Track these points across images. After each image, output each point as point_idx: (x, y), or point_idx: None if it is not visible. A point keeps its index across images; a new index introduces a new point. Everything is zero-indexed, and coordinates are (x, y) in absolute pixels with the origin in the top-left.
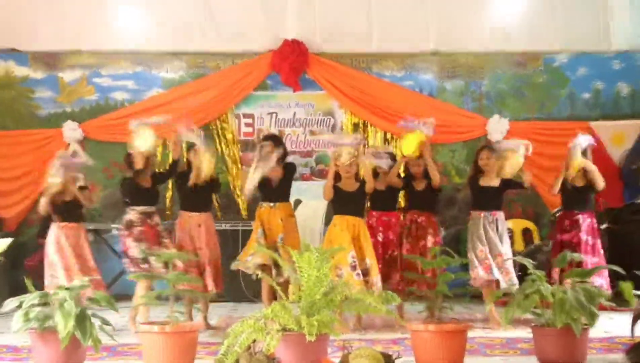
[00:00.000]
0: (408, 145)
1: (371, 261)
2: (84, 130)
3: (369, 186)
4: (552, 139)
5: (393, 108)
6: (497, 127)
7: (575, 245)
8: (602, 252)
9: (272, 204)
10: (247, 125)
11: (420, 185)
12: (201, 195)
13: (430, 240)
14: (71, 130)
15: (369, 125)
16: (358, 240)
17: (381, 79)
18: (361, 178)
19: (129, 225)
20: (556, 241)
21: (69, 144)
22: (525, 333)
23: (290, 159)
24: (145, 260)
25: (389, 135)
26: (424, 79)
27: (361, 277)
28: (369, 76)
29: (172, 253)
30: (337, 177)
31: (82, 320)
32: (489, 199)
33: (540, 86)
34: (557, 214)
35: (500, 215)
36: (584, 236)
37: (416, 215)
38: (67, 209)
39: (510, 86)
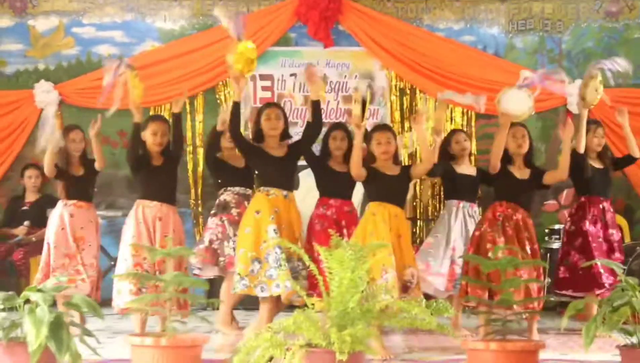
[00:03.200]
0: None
1: (415, 271)
2: (60, 93)
3: (423, 167)
4: None
5: (448, 70)
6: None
7: None
8: None
9: (285, 193)
10: (264, 88)
11: (522, 173)
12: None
13: (531, 247)
14: (45, 93)
15: (417, 91)
16: (402, 238)
17: (434, 33)
18: (401, 161)
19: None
20: None
21: (42, 109)
22: (610, 356)
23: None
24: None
25: None
26: (489, 34)
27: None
28: (419, 29)
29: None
30: (371, 157)
31: (57, 329)
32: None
33: (637, 43)
34: None
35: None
36: None
37: (511, 210)
38: (78, 185)
39: (597, 43)
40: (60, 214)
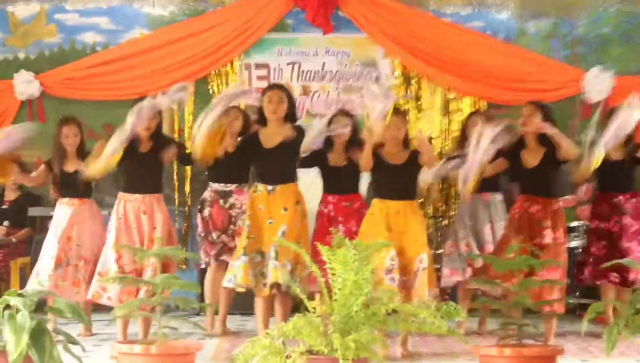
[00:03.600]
0: None
1: (424, 255)
2: (42, 84)
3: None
4: None
5: (456, 57)
6: (596, 83)
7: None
8: None
9: (270, 188)
10: (260, 78)
11: (533, 159)
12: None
13: (549, 236)
14: (25, 83)
15: (423, 80)
16: (405, 236)
17: (441, 18)
18: (411, 147)
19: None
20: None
21: (22, 102)
22: (634, 361)
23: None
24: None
25: (450, 94)
26: (499, 19)
27: (396, 284)
28: (425, 14)
29: (163, 249)
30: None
31: (39, 336)
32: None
33: None
34: None
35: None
36: None
37: (528, 203)
38: (69, 181)
39: (614, 28)
40: (55, 215)
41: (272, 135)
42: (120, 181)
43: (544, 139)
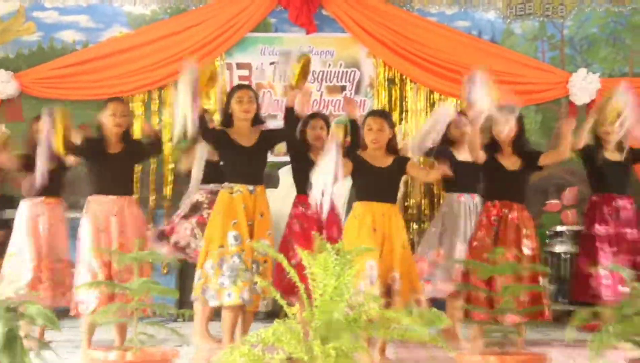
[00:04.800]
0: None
1: (400, 273)
2: (20, 83)
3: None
4: None
5: (441, 57)
6: (583, 84)
7: None
8: None
9: (251, 188)
10: (241, 78)
11: (512, 162)
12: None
13: (527, 246)
14: (3, 83)
15: (407, 81)
16: (389, 239)
17: (426, 18)
18: (397, 150)
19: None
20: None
21: (1, 101)
22: None
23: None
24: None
25: (435, 95)
26: (484, 19)
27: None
28: (409, 14)
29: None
30: (363, 144)
31: (10, 342)
32: None
33: None
34: None
35: None
36: None
37: (506, 210)
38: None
39: (602, 29)
40: (26, 215)
41: (245, 135)
42: (90, 182)
43: (520, 148)
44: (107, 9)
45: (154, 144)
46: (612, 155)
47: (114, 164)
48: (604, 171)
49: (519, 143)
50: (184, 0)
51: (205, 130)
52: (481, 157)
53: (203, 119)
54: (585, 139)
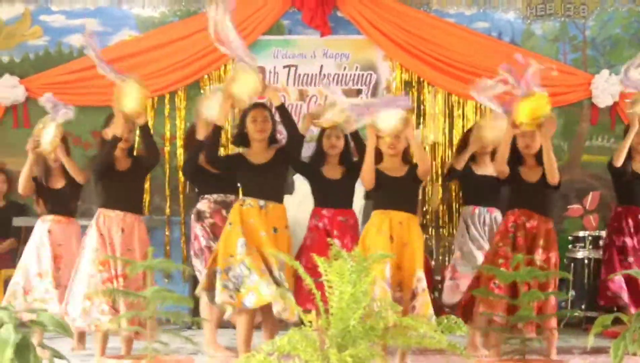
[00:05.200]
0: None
1: (421, 275)
2: (27, 88)
3: (423, 169)
4: None
5: (459, 60)
6: (606, 86)
7: None
8: None
9: (262, 203)
10: None
11: (533, 175)
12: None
13: (539, 255)
14: (9, 88)
15: (425, 84)
16: (409, 246)
17: (443, 19)
18: (411, 159)
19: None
20: None
21: (7, 108)
22: None
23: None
24: None
25: (453, 98)
26: (504, 20)
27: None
28: (427, 15)
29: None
30: (378, 155)
31: (23, 351)
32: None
33: None
34: None
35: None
36: None
37: (524, 218)
38: (57, 198)
39: (625, 29)
40: (37, 231)
41: (260, 153)
42: (100, 196)
43: (541, 160)
44: (115, 12)
45: (150, 150)
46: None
47: (122, 181)
48: (632, 184)
49: (541, 155)
50: (194, 3)
51: (214, 162)
52: (506, 172)
53: (211, 149)
54: (623, 157)
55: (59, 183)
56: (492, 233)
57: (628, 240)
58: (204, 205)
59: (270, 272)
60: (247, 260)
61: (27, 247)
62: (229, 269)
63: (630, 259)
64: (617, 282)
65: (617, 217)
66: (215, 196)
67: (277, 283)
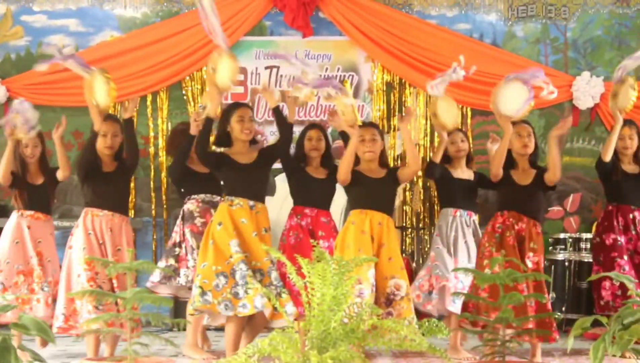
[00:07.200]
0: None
1: (401, 282)
2: (8, 89)
3: (413, 169)
4: None
5: (441, 61)
6: (587, 88)
7: None
8: None
9: (251, 203)
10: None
11: (526, 178)
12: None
13: (530, 258)
14: None
15: (407, 85)
16: (385, 247)
17: (425, 21)
18: (388, 163)
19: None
20: None
21: None
22: None
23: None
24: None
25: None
26: (486, 21)
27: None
28: (409, 16)
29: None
30: (355, 159)
31: (3, 354)
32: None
33: None
34: None
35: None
36: None
37: (513, 220)
38: (37, 194)
39: (606, 31)
40: (15, 226)
41: (244, 153)
42: (87, 196)
43: (534, 162)
44: (97, 13)
45: (130, 146)
46: (629, 167)
47: (108, 182)
48: (621, 183)
49: (534, 158)
50: (176, 3)
51: (204, 154)
52: (500, 175)
53: (202, 141)
54: (611, 152)
55: (38, 180)
56: (477, 237)
57: (619, 238)
58: (192, 205)
59: (268, 274)
60: (243, 265)
61: (1, 240)
62: (234, 272)
63: (622, 258)
64: (609, 288)
65: (607, 215)
66: (202, 196)
67: (274, 286)
